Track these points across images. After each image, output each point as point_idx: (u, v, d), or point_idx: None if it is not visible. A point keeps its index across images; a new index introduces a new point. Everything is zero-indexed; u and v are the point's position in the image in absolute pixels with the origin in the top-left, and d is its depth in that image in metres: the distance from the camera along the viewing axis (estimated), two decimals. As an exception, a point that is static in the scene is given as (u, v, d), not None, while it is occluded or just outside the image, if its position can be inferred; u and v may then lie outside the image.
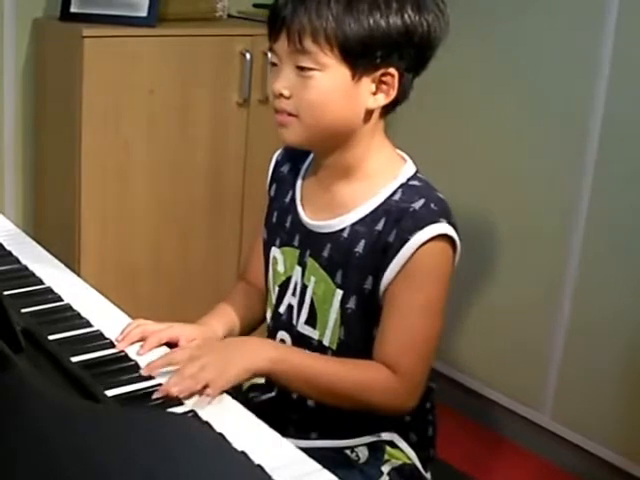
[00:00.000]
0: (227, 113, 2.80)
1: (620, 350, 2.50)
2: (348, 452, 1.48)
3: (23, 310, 1.47)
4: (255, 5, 3.07)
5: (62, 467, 0.82)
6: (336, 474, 1.42)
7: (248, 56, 2.75)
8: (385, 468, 1.48)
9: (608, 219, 2.51)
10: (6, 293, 1.53)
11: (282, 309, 1.54)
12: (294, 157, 1.57)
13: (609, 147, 2.48)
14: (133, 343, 1.41)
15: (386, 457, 1.49)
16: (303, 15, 1.34)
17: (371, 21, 1.34)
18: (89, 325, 1.46)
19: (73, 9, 2.64)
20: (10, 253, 1.74)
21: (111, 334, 1.43)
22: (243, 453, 0.94)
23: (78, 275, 2.57)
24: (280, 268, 1.54)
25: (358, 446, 1.48)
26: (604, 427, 2.55)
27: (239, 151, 2.86)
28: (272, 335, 1.57)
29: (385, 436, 1.49)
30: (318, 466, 1.14)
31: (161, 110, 2.68)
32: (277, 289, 1.55)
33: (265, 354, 1.34)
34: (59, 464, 0.82)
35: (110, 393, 1.22)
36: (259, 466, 0.93)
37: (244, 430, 1.20)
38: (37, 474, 0.80)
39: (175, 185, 2.78)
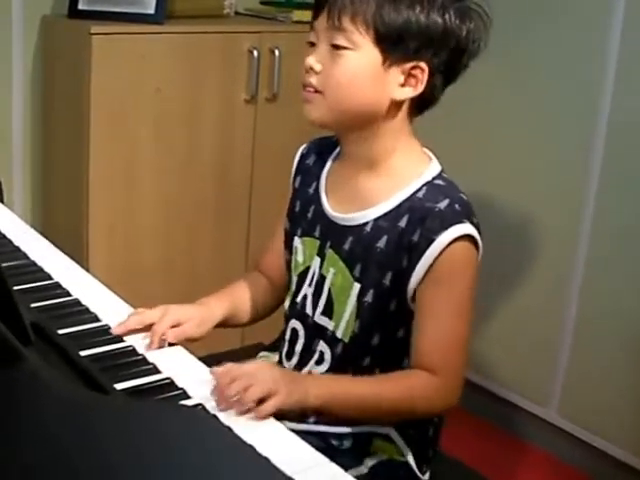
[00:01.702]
0: (234, 111, 2.81)
1: (627, 347, 2.50)
2: (333, 439, 1.47)
3: (32, 305, 1.48)
4: (262, 2, 3.08)
5: (71, 461, 0.83)
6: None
7: (255, 53, 2.76)
8: (369, 461, 1.47)
9: (615, 218, 2.50)
10: (15, 288, 1.53)
11: (299, 298, 1.55)
12: (321, 150, 1.59)
13: (615, 146, 2.48)
14: (131, 331, 1.43)
15: (372, 450, 1.48)
16: None
17: (410, 13, 1.36)
18: (97, 320, 1.47)
19: (81, 6, 2.64)
20: (19, 249, 1.75)
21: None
22: (250, 446, 0.94)
23: (87, 271, 2.61)
24: (300, 258, 1.55)
25: (345, 434, 1.47)
26: (611, 423, 2.55)
27: (247, 149, 2.86)
28: (286, 323, 1.58)
29: (380, 429, 1.49)
30: (325, 459, 1.14)
31: (169, 107, 2.68)
32: (296, 278, 1.56)
33: (317, 391, 1.33)
34: (68, 457, 0.82)
35: (119, 386, 1.23)
36: (266, 458, 0.93)
37: (252, 422, 1.21)
38: (47, 468, 0.81)
39: (183, 183, 2.79)
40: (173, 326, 1.45)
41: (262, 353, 1.70)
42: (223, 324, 1.59)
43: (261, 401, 1.23)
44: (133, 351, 1.37)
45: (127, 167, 2.67)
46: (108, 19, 2.62)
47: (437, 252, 1.38)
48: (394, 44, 1.37)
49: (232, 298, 1.62)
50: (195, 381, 1.29)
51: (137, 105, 2.63)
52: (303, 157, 1.62)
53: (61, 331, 1.38)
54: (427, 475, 1.55)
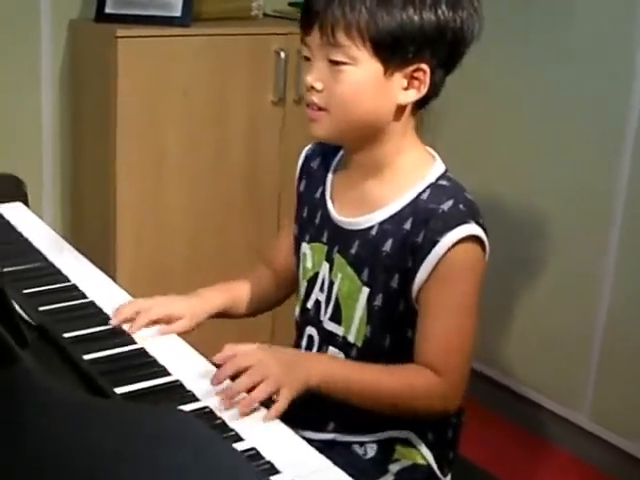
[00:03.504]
0: (262, 112, 2.80)
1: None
2: (356, 447, 1.46)
3: (47, 307, 1.48)
4: (290, 4, 3.07)
5: (59, 463, 0.82)
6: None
7: (283, 55, 2.75)
8: (394, 467, 1.46)
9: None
10: (32, 290, 1.55)
11: (310, 304, 1.54)
12: (324, 152, 1.57)
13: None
14: (126, 320, 1.45)
15: (396, 456, 1.47)
16: (337, 8, 1.34)
17: (404, 15, 1.33)
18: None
19: (108, 10, 2.66)
20: (38, 250, 1.76)
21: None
22: (238, 452, 0.92)
23: (114, 275, 2.62)
24: (308, 264, 1.54)
25: (368, 442, 1.47)
26: (643, 428, 2.52)
27: (274, 150, 2.86)
28: (300, 330, 1.57)
29: (401, 434, 1.48)
30: (329, 463, 1.12)
31: (196, 110, 2.68)
32: (305, 284, 1.55)
33: (316, 370, 1.33)
34: (55, 460, 0.82)
35: (127, 389, 1.23)
36: (253, 467, 0.91)
37: (258, 425, 1.20)
38: (34, 469, 0.80)
39: (210, 185, 2.79)
40: (165, 321, 1.48)
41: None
42: (221, 315, 1.61)
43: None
44: (144, 353, 1.37)
45: (154, 169, 2.67)
46: (135, 23, 2.63)
47: (441, 253, 1.36)
48: (392, 51, 1.34)
49: (231, 290, 1.63)
50: (205, 384, 1.28)
51: (164, 108, 2.64)
52: (307, 159, 1.61)
53: (73, 333, 1.39)
54: (449, 477, 1.54)
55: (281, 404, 1.23)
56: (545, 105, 2.70)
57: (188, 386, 1.28)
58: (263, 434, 1.17)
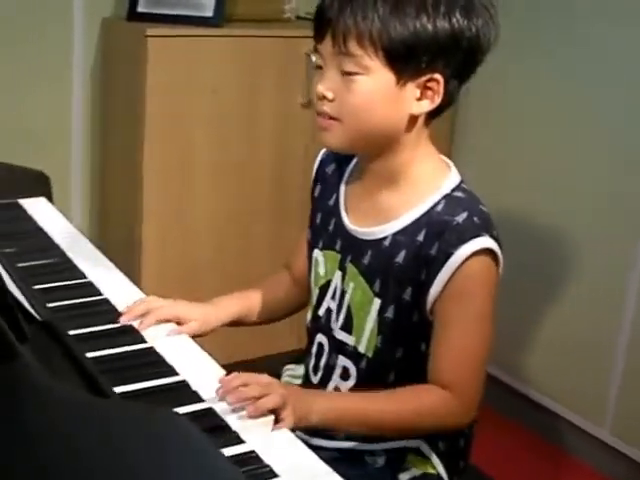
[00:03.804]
0: (291, 114, 2.80)
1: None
2: (367, 456, 1.46)
3: (59, 303, 1.49)
4: (324, 7, 3.07)
5: (49, 461, 0.82)
6: (347, 477, 1.43)
7: (313, 57, 2.74)
8: (404, 476, 1.45)
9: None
10: (47, 285, 1.56)
11: (321, 312, 1.53)
12: (339, 158, 1.55)
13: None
14: (137, 317, 1.46)
15: (406, 465, 1.46)
16: (349, 17, 1.31)
17: (417, 24, 1.31)
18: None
19: (140, 9, 2.67)
20: (58, 246, 1.77)
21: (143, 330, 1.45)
22: (225, 457, 0.92)
23: (139, 276, 2.63)
24: (321, 270, 1.53)
25: (379, 451, 1.46)
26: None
27: (303, 153, 2.85)
28: (311, 337, 1.56)
29: (411, 443, 1.47)
30: (328, 469, 1.12)
31: (225, 110, 2.69)
32: (317, 291, 1.54)
33: (326, 404, 1.32)
34: (46, 457, 0.82)
35: (131, 387, 1.24)
36: (239, 472, 0.90)
37: (260, 428, 1.19)
38: (23, 466, 0.80)
39: (238, 186, 2.79)
40: (175, 322, 1.49)
41: (288, 366, 1.69)
42: (236, 323, 1.62)
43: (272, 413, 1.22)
44: (153, 352, 1.37)
45: (182, 168, 2.68)
46: (166, 22, 2.64)
47: (455, 266, 1.34)
48: (405, 61, 1.32)
49: (246, 298, 1.64)
50: (211, 385, 1.27)
51: (193, 107, 2.64)
52: (322, 164, 1.59)
53: (83, 330, 1.39)
54: (459, 486, 1.53)
55: (286, 424, 1.22)
56: (572, 114, 2.68)
57: (194, 387, 1.28)
58: (265, 438, 1.17)
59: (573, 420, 2.73)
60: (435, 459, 1.48)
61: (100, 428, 0.84)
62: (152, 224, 2.68)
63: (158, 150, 2.63)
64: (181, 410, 1.19)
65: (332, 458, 1.44)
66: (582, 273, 2.69)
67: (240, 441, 1.15)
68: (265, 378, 1.28)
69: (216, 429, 1.16)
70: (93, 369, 1.11)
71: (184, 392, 1.26)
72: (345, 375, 1.48)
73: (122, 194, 2.79)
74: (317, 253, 1.54)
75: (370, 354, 1.45)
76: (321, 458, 1.42)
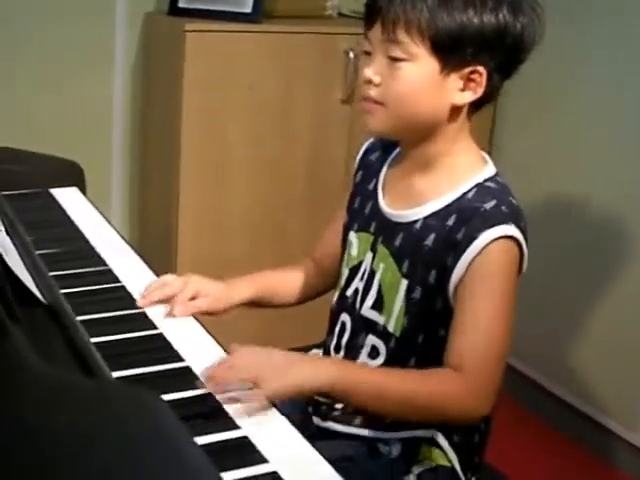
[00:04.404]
0: (329, 111, 2.81)
1: None
2: (381, 445, 1.46)
3: (75, 289, 1.51)
4: (366, 4, 3.07)
5: (35, 439, 0.84)
6: (362, 466, 1.43)
7: (352, 54, 2.75)
8: (416, 469, 1.45)
9: None
10: (68, 272, 1.59)
11: (349, 292, 1.56)
12: (384, 147, 1.59)
13: None
14: (154, 303, 1.50)
15: (420, 457, 1.46)
16: (398, 5, 1.36)
17: (464, 17, 1.35)
18: (136, 307, 1.50)
19: (181, 4, 2.71)
20: (83, 235, 1.80)
21: (154, 316, 1.47)
22: (197, 445, 0.92)
23: (175, 269, 2.66)
24: (354, 252, 1.56)
25: (393, 440, 1.46)
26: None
27: (341, 149, 2.86)
28: (335, 317, 1.59)
29: (426, 433, 1.46)
30: (319, 457, 1.12)
31: (262, 105, 2.71)
32: (347, 272, 1.57)
33: (326, 371, 1.31)
34: (35, 436, 0.83)
35: (132, 372, 1.26)
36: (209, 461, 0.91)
37: (256, 414, 1.20)
38: (12, 444, 0.82)
39: (273, 182, 2.81)
40: (192, 298, 1.51)
41: (313, 351, 1.70)
42: (254, 304, 1.64)
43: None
44: (160, 338, 1.39)
45: (217, 164, 2.71)
46: (206, 17, 2.67)
47: (477, 250, 1.36)
48: (450, 51, 1.36)
49: (263, 280, 1.66)
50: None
51: (229, 102, 2.67)
52: (367, 152, 1.63)
53: (94, 315, 1.41)
54: (473, 482, 1.52)
55: (254, 396, 1.22)
56: (617, 107, 2.65)
57: (197, 373, 1.29)
58: (260, 424, 1.18)
59: (609, 425, 2.70)
60: (450, 451, 1.48)
61: (72, 407, 0.85)
62: (188, 219, 2.71)
63: (194, 145, 2.65)
64: (179, 395, 1.21)
65: (346, 445, 1.47)
66: (629, 271, 2.65)
67: (235, 426, 1.16)
68: (237, 353, 1.30)
69: (212, 413, 1.18)
70: (92, 353, 1.12)
71: (186, 378, 1.27)
72: (374, 353, 1.50)
73: (160, 188, 2.83)
74: (352, 235, 1.58)
75: (398, 334, 1.46)
76: (333, 445, 1.45)
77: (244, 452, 1.11)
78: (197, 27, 2.56)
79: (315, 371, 1.30)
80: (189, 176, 2.67)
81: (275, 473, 1.07)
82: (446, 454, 1.48)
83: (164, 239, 2.77)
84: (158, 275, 1.65)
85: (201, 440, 1.11)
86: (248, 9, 2.67)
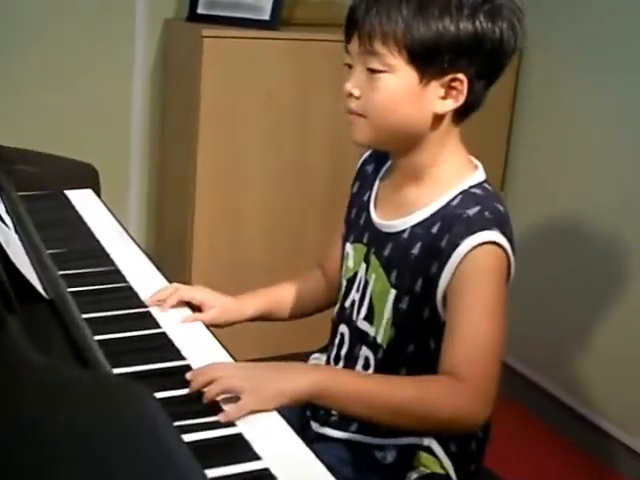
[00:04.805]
0: (345, 118, 2.80)
1: None
2: (376, 451, 1.46)
3: (82, 288, 1.54)
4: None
5: (33, 430, 0.85)
6: (356, 471, 1.44)
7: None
8: (412, 475, 1.45)
9: None
10: (75, 271, 1.61)
11: (347, 304, 1.56)
12: (379, 158, 1.60)
13: None
14: (161, 301, 1.54)
15: (415, 464, 1.46)
16: (374, 17, 1.36)
17: (440, 26, 1.34)
18: (143, 305, 1.52)
19: (199, 10, 2.73)
20: (93, 235, 1.83)
21: (159, 315, 1.49)
22: (183, 441, 0.93)
23: (190, 273, 2.69)
24: (350, 263, 1.57)
25: (389, 447, 1.46)
26: None
27: (356, 155, 2.85)
28: (334, 328, 1.59)
29: (422, 441, 1.46)
30: (313, 457, 1.13)
31: (278, 111, 2.73)
32: (345, 283, 1.58)
33: (309, 379, 1.29)
34: (32, 428, 0.85)
35: (132, 369, 1.28)
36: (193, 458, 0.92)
37: (261, 423, 1.21)
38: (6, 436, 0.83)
39: (290, 188, 2.82)
40: (195, 307, 1.55)
41: (314, 355, 1.71)
42: (263, 318, 1.67)
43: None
44: (163, 337, 1.41)
45: (234, 169, 2.73)
46: (224, 24, 2.70)
47: (461, 256, 1.35)
48: (428, 60, 1.35)
49: (273, 295, 1.68)
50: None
51: (247, 108, 2.69)
52: (364, 163, 1.64)
53: (101, 313, 1.44)
54: (468, 490, 1.52)
55: (234, 409, 1.21)
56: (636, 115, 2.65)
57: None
58: (255, 423, 1.19)
59: (605, 427, 2.69)
60: (445, 459, 1.48)
61: (64, 400, 0.87)
62: (203, 224, 2.73)
63: (211, 149, 2.67)
64: (177, 392, 1.23)
65: (341, 450, 1.48)
66: (634, 282, 2.64)
67: (231, 424, 1.17)
68: (219, 365, 1.30)
69: (209, 411, 1.19)
70: (91, 347, 1.14)
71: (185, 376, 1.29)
72: (366, 365, 1.50)
73: (176, 193, 2.85)
74: (348, 247, 1.58)
75: (385, 345, 1.46)
76: (329, 449, 1.46)
77: (238, 449, 1.12)
78: (214, 33, 2.59)
79: (294, 378, 1.28)
80: (205, 181, 2.70)
81: (267, 470, 1.08)
82: (441, 462, 1.47)
83: (180, 243, 2.79)
84: (165, 276, 1.68)
85: (196, 436, 1.13)
86: (266, 16, 2.69)
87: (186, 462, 0.83)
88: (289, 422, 1.23)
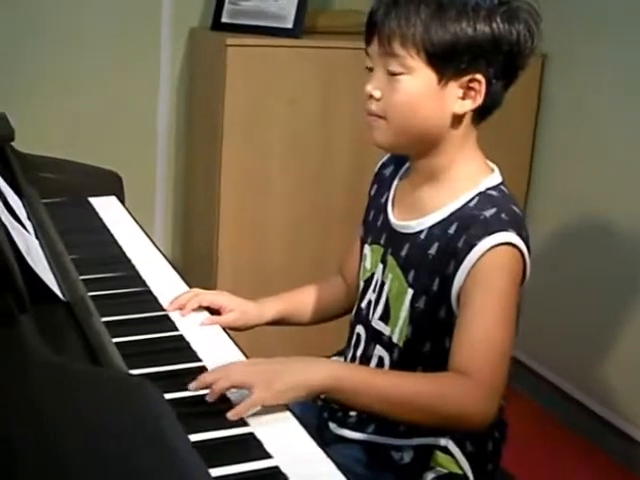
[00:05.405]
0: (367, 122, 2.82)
1: None
2: (394, 452, 1.47)
3: (103, 292, 1.57)
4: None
5: (44, 427, 0.87)
6: (373, 472, 1.45)
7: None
8: (428, 475, 1.46)
9: None
10: (94, 276, 1.64)
11: (364, 304, 1.57)
12: (397, 161, 1.62)
13: None
14: (182, 305, 1.56)
15: (432, 464, 1.47)
16: (393, 20, 1.38)
17: (457, 28, 1.37)
18: (161, 309, 1.54)
19: (224, 19, 2.77)
20: (116, 242, 1.85)
21: (177, 318, 1.51)
22: (182, 431, 0.94)
23: (215, 280, 2.71)
24: (367, 264, 1.58)
25: (406, 447, 1.47)
26: None
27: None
28: (351, 329, 1.61)
29: (439, 441, 1.47)
30: (323, 455, 1.14)
31: (301, 119, 2.75)
32: (362, 284, 1.59)
33: (323, 372, 1.30)
34: (45, 423, 0.86)
35: (148, 371, 1.30)
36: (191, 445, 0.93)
37: (273, 422, 1.22)
38: (19, 432, 0.85)
39: (314, 196, 2.84)
40: (214, 309, 1.57)
41: (333, 358, 1.72)
42: (283, 322, 1.68)
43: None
44: (181, 339, 1.43)
45: (258, 177, 2.75)
46: (248, 32, 2.73)
47: (477, 256, 1.36)
48: (446, 62, 1.38)
49: (293, 299, 1.69)
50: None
51: (270, 115, 2.71)
52: (383, 167, 1.66)
53: (120, 317, 1.47)
54: (486, 490, 1.52)
55: (243, 406, 1.22)
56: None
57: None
58: (267, 421, 1.20)
59: (627, 429, 2.67)
60: (462, 459, 1.48)
61: (72, 395, 0.89)
62: (228, 231, 2.75)
63: (235, 158, 2.70)
64: (193, 393, 1.24)
65: (358, 451, 1.49)
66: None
67: (244, 423, 1.19)
68: (226, 366, 1.30)
69: (223, 412, 1.20)
70: (105, 347, 1.15)
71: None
72: (380, 364, 1.52)
73: (201, 201, 2.88)
74: (366, 248, 1.60)
75: (401, 344, 1.48)
76: (347, 450, 1.47)
77: (249, 447, 1.14)
78: (238, 41, 2.62)
79: (308, 371, 1.30)
80: (230, 188, 2.72)
81: (277, 468, 1.09)
82: (458, 462, 1.48)
83: (205, 252, 2.81)
84: (185, 280, 1.70)
85: (209, 435, 1.15)
86: (289, 25, 2.72)
87: (189, 459, 0.84)
88: (306, 423, 1.24)
